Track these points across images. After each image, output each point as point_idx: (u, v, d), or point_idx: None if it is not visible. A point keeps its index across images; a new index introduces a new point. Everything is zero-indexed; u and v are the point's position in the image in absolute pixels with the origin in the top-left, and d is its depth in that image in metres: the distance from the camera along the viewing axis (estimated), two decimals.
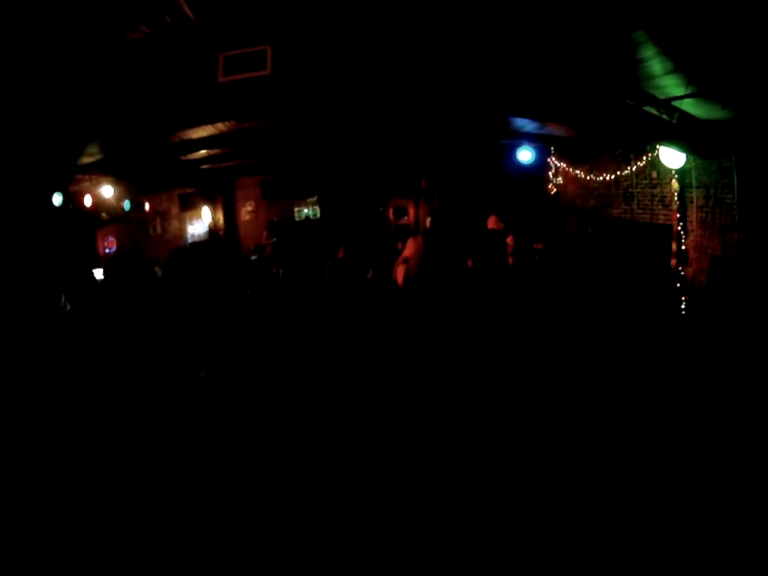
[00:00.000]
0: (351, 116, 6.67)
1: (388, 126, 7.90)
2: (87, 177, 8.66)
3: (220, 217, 13.66)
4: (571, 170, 9.06)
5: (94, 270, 9.73)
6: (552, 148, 9.52)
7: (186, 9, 3.79)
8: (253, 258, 10.72)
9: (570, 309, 6.48)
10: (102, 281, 9.45)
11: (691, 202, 6.42)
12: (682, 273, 6.46)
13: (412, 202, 12.07)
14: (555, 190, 9.79)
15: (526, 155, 8.97)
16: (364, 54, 4.51)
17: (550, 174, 9.74)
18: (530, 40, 4.43)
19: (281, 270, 9.12)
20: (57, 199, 7.12)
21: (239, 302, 7.82)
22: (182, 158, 9.92)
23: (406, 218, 12.04)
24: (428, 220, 11.11)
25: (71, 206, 8.36)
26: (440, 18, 4.26)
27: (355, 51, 4.49)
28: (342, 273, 6.05)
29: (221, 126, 8.14)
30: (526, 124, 7.33)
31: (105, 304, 7.93)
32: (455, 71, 4.89)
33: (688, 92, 4.40)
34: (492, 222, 7.42)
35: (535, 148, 9.03)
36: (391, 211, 12.16)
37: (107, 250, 12.97)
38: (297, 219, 12.84)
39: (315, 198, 12.68)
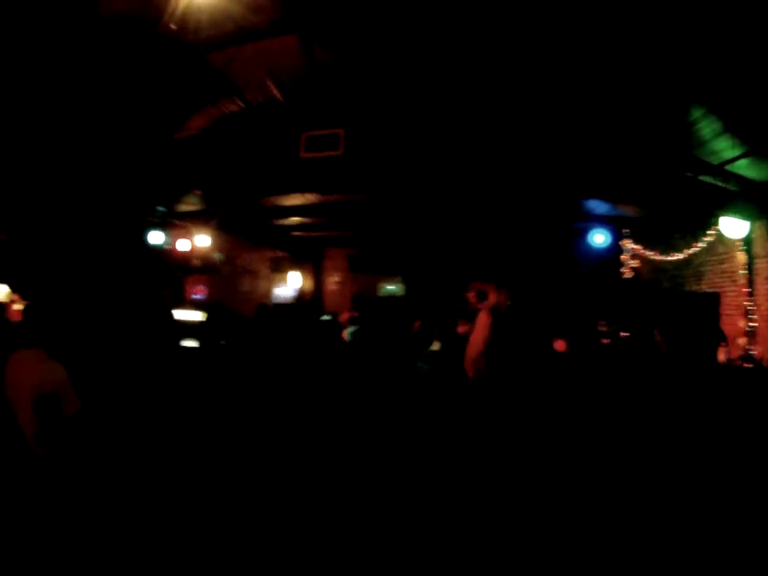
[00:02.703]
0: (422, 198, 7.44)
1: (464, 209, 8.56)
2: (184, 224, 10.00)
3: (307, 283, 14.80)
4: (645, 252, 9.28)
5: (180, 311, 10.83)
6: (625, 230, 9.81)
7: (276, 91, 4.75)
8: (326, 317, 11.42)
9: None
10: (202, 323, 10.24)
11: (757, 275, 6.22)
12: (752, 352, 6.25)
13: (493, 287, 12.40)
14: (631, 273, 9.94)
15: (599, 238, 9.23)
16: (429, 140, 5.27)
17: (623, 257, 9.95)
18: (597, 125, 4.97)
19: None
20: (155, 238, 8.44)
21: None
22: (275, 221, 11.19)
23: (486, 301, 12.33)
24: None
25: (167, 246, 9.73)
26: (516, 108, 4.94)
27: (421, 138, 5.26)
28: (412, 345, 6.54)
29: (309, 197, 9.24)
30: (597, 206, 7.70)
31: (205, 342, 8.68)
32: (530, 157, 5.50)
33: (740, 152, 4.58)
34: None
35: (608, 231, 9.29)
36: (473, 294, 12.51)
37: (195, 296, 14.48)
38: (381, 294, 13.67)
39: (399, 277, 13.49)
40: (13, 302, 6.38)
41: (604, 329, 8.17)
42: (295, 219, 11.08)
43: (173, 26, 2.92)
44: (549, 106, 4.82)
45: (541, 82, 4.67)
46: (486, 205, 7.78)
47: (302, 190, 7.27)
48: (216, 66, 4.07)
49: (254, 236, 12.59)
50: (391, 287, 13.63)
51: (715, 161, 4.98)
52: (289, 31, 3.64)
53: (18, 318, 5.87)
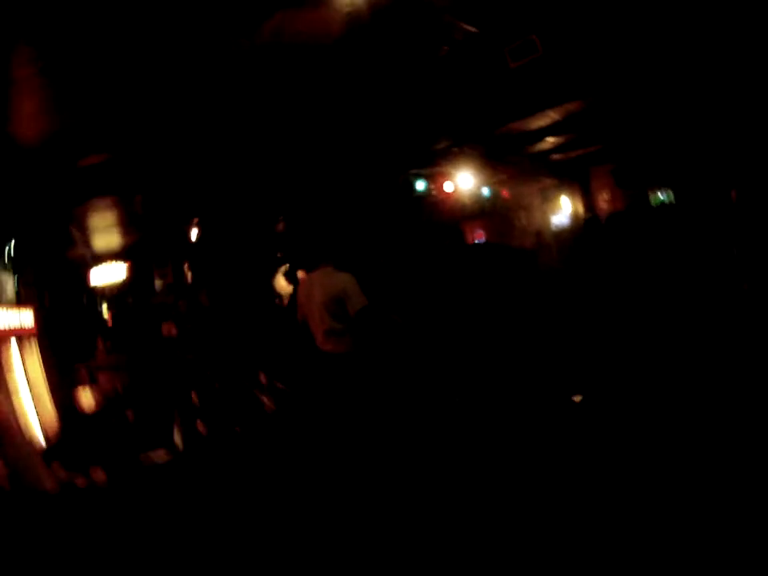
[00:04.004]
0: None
1: None
2: (445, 168, 11.58)
3: (579, 207, 15.32)
4: None
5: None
6: None
7: (469, 27, 5.89)
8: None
9: None
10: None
11: None
12: None
13: None
14: None
15: None
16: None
17: None
18: None
19: None
20: (420, 185, 10.24)
21: None
22: (530, 149, 12.09)
23: None
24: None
25: (434, 192, 11.45)
26: None
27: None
28: None
29: (552, 115, 9.97)
30: None
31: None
32: None
33: None
34: None
35: None
36: None
37: (477, 241, 16.18)
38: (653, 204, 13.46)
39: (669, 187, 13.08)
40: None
41: None
42: (549, 141, 11.81)
43: None
44: None
45: None
46: None
47: (524, 104, 8.20)
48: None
49: (516, 168, 13.57)
50: (662, 197, 13.28)
51: None
52: None
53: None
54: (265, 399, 6.86)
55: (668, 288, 7.15)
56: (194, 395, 6.72)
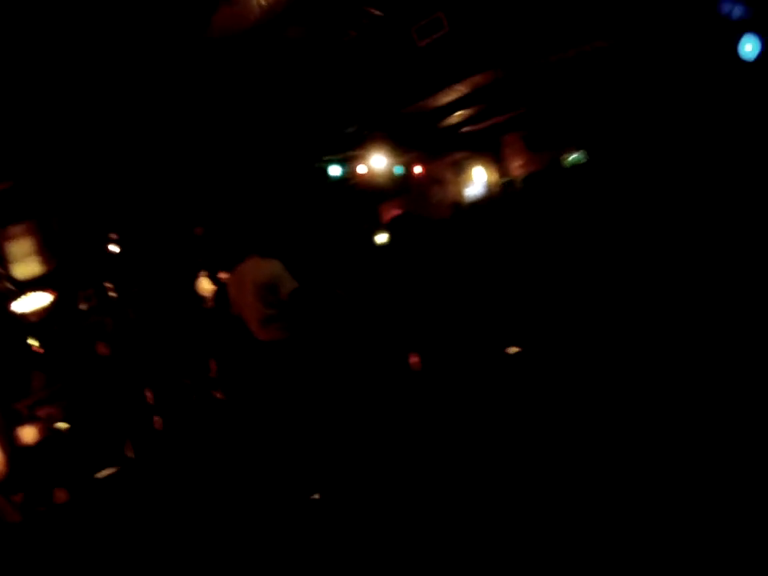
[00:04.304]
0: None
1: None
2: (358, 152, 11.37)
3: (493, 175, 15.51)
4: None
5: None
6: None
7: (375, 11, 5.68)
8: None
9: None
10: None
11: None
12: None
13: None
14: None
15: None
16: None
17: None
18: None
19: None
20: (335, 171, 10.07)
21: None
22: (440, 124, 12.05)
23: None
24: None
25: (349, 177, 11.29)
26: None
27: None
28: None
29: (460, 88, 9.92)
30: None
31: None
32: None
33: None
34: None
35: None
36: None
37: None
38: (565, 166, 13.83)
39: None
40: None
41: None
42: (458, 114, 11.79)
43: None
44: None
45: None
46: None
47: (434, 81, 8.13)
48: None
49: (428, 145, 13.55)
50: (576, 156, 13.64)
51: None
52: None
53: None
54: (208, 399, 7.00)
55: (584, 242, 7.49)
56: (139, 407, 6.75)
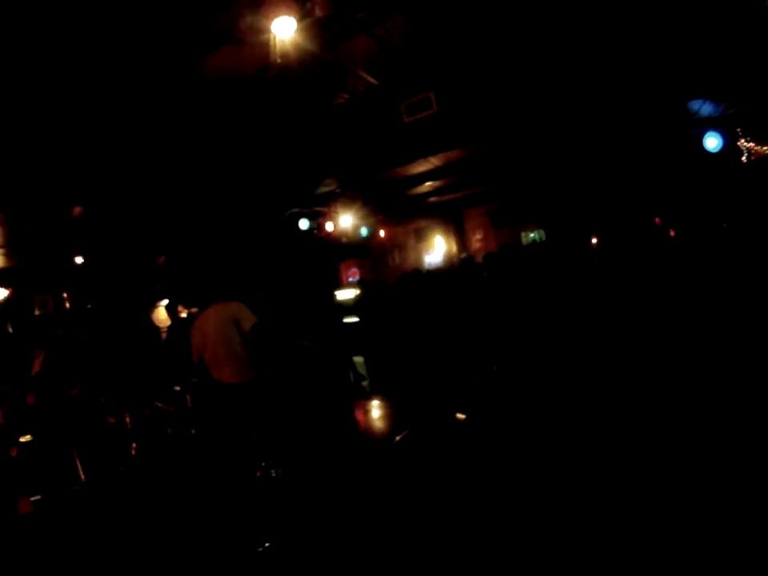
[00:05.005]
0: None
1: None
2: (326, 208, 11.56)
3: (453, 246, 15.91)
4: None
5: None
6: None
7: (371, 78, 5.87)
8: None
9: None
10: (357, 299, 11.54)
11: None
12: None
13: None
14: None
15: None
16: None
17: None
18: None
19: None
20: (303, 224, 10.18)
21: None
22: (409, 192, 12.39)
23: None
24: None
25: (316, 231, 11.41)
26: None
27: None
28: None
29: (433, 161, 10.29)
30: None
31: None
32: None
33: None
34: None
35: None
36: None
37: (350, 279, 16.25)
38: (524, 243, 14.37)
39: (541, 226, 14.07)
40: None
41: None
42: (428, 185, 12.17)
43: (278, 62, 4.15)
44: None
45: None
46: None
47: (412, 152, 8.43)
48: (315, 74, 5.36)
49: (394, 210, 13.87)
50: (533, 235, 14.22)
51: None
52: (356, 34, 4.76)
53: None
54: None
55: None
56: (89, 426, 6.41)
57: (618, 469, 3.82)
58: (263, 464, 4.80)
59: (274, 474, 4.76)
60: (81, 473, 5.87)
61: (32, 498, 5.36)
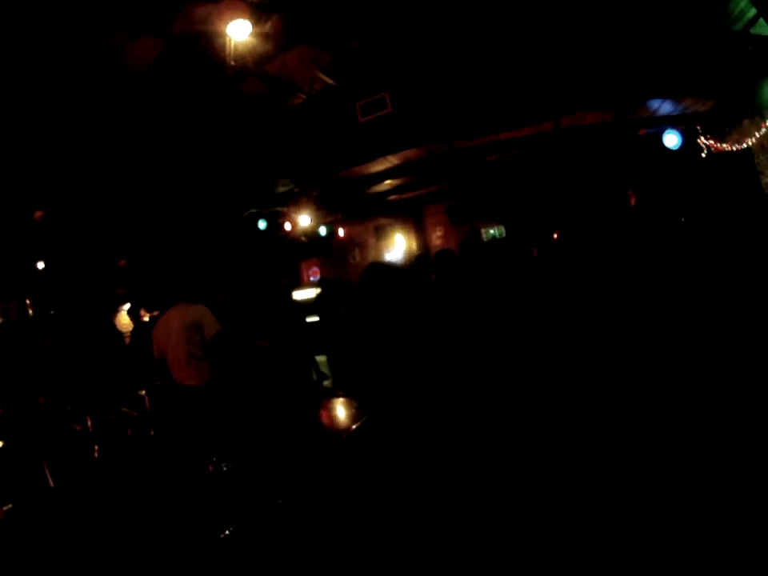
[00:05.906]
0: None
1: None
2: (285, 208, 11.64)
3: (413, 243, 16.12)
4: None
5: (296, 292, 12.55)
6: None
7: (328, 79, 6.02)
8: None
9: None
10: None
11: None
12: None
13: None
14: None
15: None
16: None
17: None
18: None
19: None
20: (261, 224, 10.25)
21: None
22: (368, 191, 12.53)
23: None
24: None
25: (277, 233, 11.48)
26: None
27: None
28: None
29: (392, 159, 10.45)
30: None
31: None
32: None
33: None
34: None
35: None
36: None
37: (311, 278, 16.32)
38: (484, 239, 14.67)
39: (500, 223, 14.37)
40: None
41: None
42: (387, 183, 12.33)
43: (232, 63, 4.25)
44: None
45: None
46: None
47: (368, 152, 8.60)
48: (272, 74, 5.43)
49: (353, 209, 14.00)
50: (493, 231, 14.53)
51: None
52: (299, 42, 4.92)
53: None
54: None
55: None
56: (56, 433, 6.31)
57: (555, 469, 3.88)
58: (214, 459, 4.88)
59: (224, 468, 4.85)
60: (50, 480, 5.86)
61: (4, 507, 5.32)
